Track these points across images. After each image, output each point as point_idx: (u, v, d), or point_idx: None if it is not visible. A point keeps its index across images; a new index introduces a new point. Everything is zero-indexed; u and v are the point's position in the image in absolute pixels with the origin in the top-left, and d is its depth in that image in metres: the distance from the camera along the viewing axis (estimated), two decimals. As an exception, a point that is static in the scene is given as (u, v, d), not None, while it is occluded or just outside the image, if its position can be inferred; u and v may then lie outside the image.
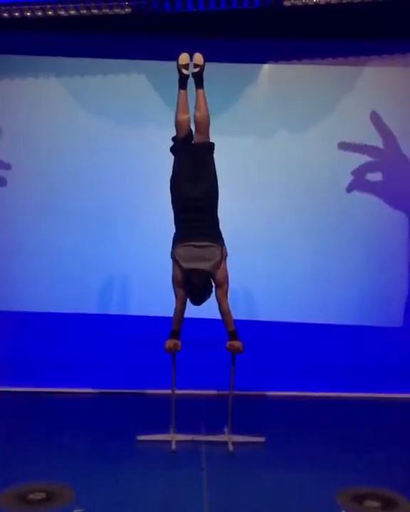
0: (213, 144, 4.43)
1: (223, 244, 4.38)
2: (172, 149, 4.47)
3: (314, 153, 5.96)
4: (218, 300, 4.36)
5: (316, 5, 5.30)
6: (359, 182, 5.97)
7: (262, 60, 5.96)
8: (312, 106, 5.95)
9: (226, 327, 4.36)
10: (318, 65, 5.96)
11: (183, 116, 4.40)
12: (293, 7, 5.31)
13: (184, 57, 4.35)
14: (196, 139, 4.41)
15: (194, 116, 4.39)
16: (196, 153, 4.38)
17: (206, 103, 4.36)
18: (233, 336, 4.33)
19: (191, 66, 4.35)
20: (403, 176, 6.03)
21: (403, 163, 6.00)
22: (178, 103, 4.41)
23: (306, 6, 5.31)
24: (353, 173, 5.96)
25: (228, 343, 4.32)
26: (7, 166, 6.00)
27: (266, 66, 6.00)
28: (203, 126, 4.37)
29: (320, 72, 5.95)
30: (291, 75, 5.95)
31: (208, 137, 4.41)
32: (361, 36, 5.72)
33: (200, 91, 4.37)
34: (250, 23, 5.53)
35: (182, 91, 4.40)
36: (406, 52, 5.94)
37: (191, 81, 4.39)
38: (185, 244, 4.31)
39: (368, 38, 5.76)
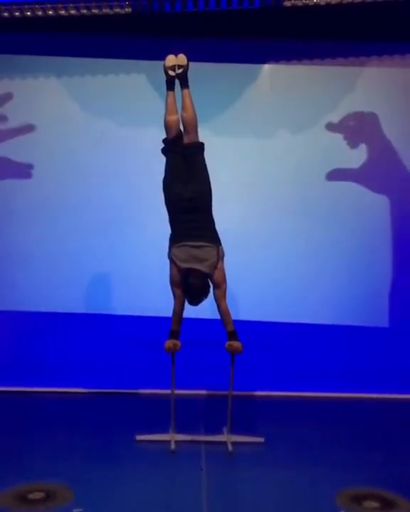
0: (202, 144, 4.44)
1: (220, 244, 4.39)
2: (163, 151, 4.49)
3: (314, 154, 5.95)
4: (216, 300, 4.36)
5: (316, 5, 5.30)
6: (349, 181, 5.99)
7: (262, 60, 5.95)
8: (312, 106, 5.94)
9: (225, 327, 4.36)
10: (318, 65, 5.95)
11: (171, 117, 4.42)
12: (293, 7, 5.30)
13: (170, 59, 4.37)
14: (185, 139, 4.42)
15: (181, 116, 4.41)
16: (186, 153, 4.40)
17: (192, 103, 4.37)
18: (232, 336, 4.33)
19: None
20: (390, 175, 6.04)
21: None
22: (166, 104, 4.44)
23: (306, 7, 5.30)
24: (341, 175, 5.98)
25: (227, 343, 4.32)
26: (4, 166, 6.00)
27: (266, 66, 6.00)
28: (191, 126, 4.38)
29: (320, 73, 5.95)
30: (291, 76, 5.95)
31: (197, 137, 4.42)
32: (361, 37, 5.71)
33: (185, 91, 4.39)
34: (251, 23, 5.53)
35: (170, 92, 4.44)
36: (405, 53, 5.94)
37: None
38: (181, 244, 4.31)
39: (368, 39, 5.75)
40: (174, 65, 4.36)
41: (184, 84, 4.39)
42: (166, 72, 4.39)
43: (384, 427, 4.98)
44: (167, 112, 4.43)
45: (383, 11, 5.40)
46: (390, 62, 5.97)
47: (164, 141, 4.48)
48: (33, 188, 5.96)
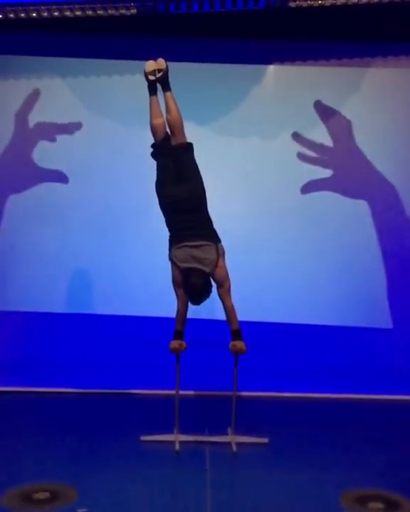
0: (190, 144, 4.47)
1: (219, 241, 4.40)
2: (152, 155, 4.54)
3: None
4: (221, 298, 4.37)
5: (321, 6, 5.30)
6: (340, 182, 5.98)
7: (267, 61, 5.95)
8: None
9: (230, 326, 4.36)
10: (323, 66, 5.95)
11: (156, 121, 4.48)
12: (298, 8, 5.30)
13: (149, 64, 4.43)
14: (173, 141, 4.46)
15: (166, 119, 4.45)
16: (175, 155, 4.43)
17: (175, 105, 4.41)
18: (235, 335, 4.32)
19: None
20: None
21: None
22: (150, 109, 4.50)
23: (311, 7, 5.30)
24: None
25: (231, 343, 4.31)
26: (9, 167, 6.01)
27: (271, 67, 5.99)
28: (177, 128, 4.42)
29: (325, 74, 5.94)
30: (296, 76, 5.94)
31: (184, 138, 4.45)
32: (366, 38, 5.70)
33: (168, 94, 4.43)
34: (256, 24, 5.52)
35: (153, 97, 4.50)
36: (411, 53, 5.95)
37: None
38: (180, 245, 4.33)
39: (373, 40, 5.75)
40: (154, 70, 4.42)
41: (166, 87, 4.44)
42: (146, 78, 4.46)
43: (388, 428, 4.98)
44: (152, 116, 4.50)
45: (388, 12, 5.39)
46: (395, 63, 5.95)
47: (152, 145, 4.54)
48: (35, 188, 5.96)
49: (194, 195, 4.37)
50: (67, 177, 5.95)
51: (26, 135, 5.95)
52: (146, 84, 4.47)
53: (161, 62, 4.41)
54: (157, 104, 4.49)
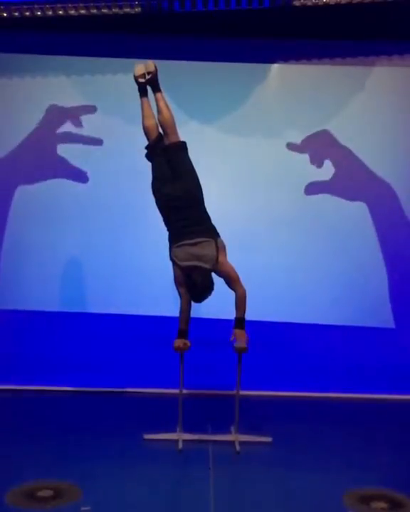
0: (184, 143, 4.50)
1: (218, 237, 4.40)
2: (147, 156, 4.56)
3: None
4: (232, 289, 4.34)
5: (326, 5, 5.30)
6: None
7: (271, 59, 5.95)
8: (321, 106, 5.92)
9: (235, 313, 4.33)
10: (327, 64, 5.94)
11: (148, 122, 4.52)
12: (303, 7, 5.31)
13: (138, 69, 4.47)
14: (166, 140, 4.49)
15: (158, 119, 4.49)
16: (169, 154, 4.45)
17: (166, 104, 4.46)
18: (237, 323, 4.30)
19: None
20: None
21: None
22: (142, 110, 4.54)
23: (316, 6, 5.30)
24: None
25: (232, 334, 4.28)
26: (13, 165, 6.02)
27: (275, 66, 5.99)
28: (169, 127, 4.45)
29: (329, 72, 5.93)
30: (300, 75, 5.93)
31: (176, 137, 4.48)
32: (371, 36, 5.70)
33: (158, 95, 4.49)
34: (260, 22, 5.53)
35: (143, 98, 4.55)
36: (415, 52, 5.93)
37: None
38: (179, 244, 4.34)
39: (378, 38, 5.74)
40: (143, 73, 4.46)
41: (156, 88, 4.49)
42: (136, 81, 4.50)
43: (391, 427, 4.98)
44: (144, 118, 4.54)
45: (392, 10, 5.38)
46: (400, 62, 5.94)
47: (146, 147, 4.56)
48: (37, 187, 5.97)
49: (190, 193, 4.38)
50: (86, 176, 5.95)
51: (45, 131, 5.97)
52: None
53: (150, 65, 4.45)
54: (148, 106, 4.55)
